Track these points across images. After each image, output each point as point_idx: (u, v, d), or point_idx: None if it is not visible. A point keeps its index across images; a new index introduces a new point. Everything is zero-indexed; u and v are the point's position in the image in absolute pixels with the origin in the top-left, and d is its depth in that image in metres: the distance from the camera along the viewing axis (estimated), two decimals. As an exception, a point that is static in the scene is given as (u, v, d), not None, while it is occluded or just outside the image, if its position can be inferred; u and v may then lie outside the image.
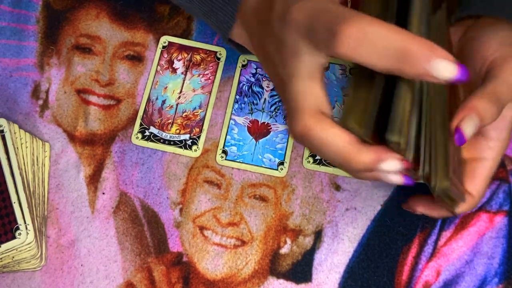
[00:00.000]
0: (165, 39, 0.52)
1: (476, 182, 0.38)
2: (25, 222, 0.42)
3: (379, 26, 0.27)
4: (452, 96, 0.36)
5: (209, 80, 0.51)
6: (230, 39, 0.41)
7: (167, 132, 0.49)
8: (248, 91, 0.50)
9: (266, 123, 0.49)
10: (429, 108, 0.31)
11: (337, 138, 0.30)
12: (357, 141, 0.30)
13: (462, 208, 0.39)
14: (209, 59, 0.51)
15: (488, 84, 0.34)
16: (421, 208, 0.42)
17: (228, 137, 0.49)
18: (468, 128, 0.33)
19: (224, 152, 0.48)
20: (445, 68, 0.26)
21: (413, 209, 0.43)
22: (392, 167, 0.30)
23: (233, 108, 0.50)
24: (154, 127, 0.49)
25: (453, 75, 0.26)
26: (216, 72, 0.51)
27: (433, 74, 0.26)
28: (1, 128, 0.44)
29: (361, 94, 0.31)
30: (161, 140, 0.49)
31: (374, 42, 0.27)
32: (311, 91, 0.31)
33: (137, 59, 0.52)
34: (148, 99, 0.50)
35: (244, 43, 0.41)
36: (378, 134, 0.30)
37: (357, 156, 0.30)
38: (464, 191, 0.38)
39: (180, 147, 0.49)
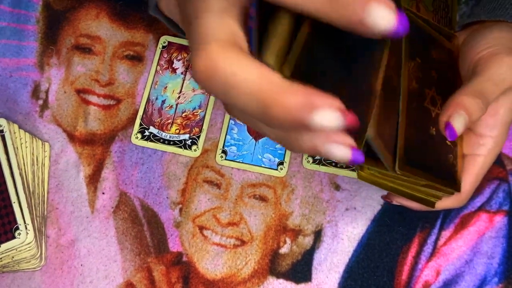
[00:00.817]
0: (165, 39, 0.52)
1: (465, 179, 0.39)
2: (24, 222, 0.42)
3: None
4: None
5: (209, 80, 0.51)
6: (157, 9, 0.37)
7: (166, 132, 0.49)
8: (248, 91, 0.50)
9: (265, 123, 0.49)
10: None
11: (253, 72, 0.22)
12: (279, 78, 0.22)
13: (445, 203, 0.39)
14: (208, 59, 0.51)
15: (473, 81, 0.35)
16: (399, 199, 0.41)
17: (228, 137, 0.49)
18: (458, 123, 0.33)
19: (224, 152, 0.48)
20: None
21: (390, 199, 0.43)
22: (329, 120, 0.21)
23: (232, 108, 0.50)
24: (154, 127, 0.49)
25: (390, 26, 0.21)
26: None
27: (367, 23, 0.21)
28: (1, 128, 0.44)
29: (278, 29, 0.24)
30: (161, 140, 0.49)
31: None
32: (222, 22, 0.24)
33: (137, 59, 0.52)
34: (148, 99, 0.50)
35: (170, 12, 0.36)
36: (299, 77, 0.23)
37: (280, 97, 0.21)
38: (459, 182, 0.38)
39: (180, 147, 0.49)
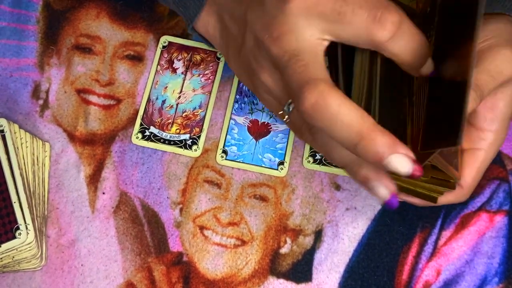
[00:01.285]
0: (165, 39, 0.52)
1: (466, 173, 0.38)
2: (25, 222, 0.42)
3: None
4: None
5: (209, 80, 0.51)
6: (194, 28, 0.40)
7: (167, 132, 0.49)
8: (248, 91, 0.50)
9: (266, 123, 0.49)
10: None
11: (353, 112, 0.28)
12: (372, 120, 0.28)
13: (447, 198, 0.39)
14: (209, 59, 0.51)
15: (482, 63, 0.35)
16: (402, 195, 0.41)
17: (228, 137, 0.49)
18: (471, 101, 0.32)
19: (224, 152, 0.48)
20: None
21: None
22: (402, 165, 0.27)
23: (233, 108, 0.50)
24: (154, 127, 0.49)
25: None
26: (216, 72, 0.51)
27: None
28: (1, 128, 0.44)
29: (356, 71, 0.31)
30: (161, 140, 0.49)
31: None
32: (319, 61, 0.30)
33: (137, 59, 0.52)
34: (148, 99, 0.50)
35: (209, 35, 0.40)
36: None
37: (373, 135, 0.27)
38: (459, 177, 0.38)
39: (180, 147, 0.49)
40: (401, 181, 0.36)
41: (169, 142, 0.49)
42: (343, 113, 0.28)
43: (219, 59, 0.51)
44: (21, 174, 0.44)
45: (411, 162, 0.27)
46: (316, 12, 0.30)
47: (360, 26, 0.29)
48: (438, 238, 0.46)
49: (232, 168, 0.48)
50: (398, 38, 0.29)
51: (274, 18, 0.31)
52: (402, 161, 0.27)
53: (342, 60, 0.33)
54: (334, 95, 0.28)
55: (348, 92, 0.33)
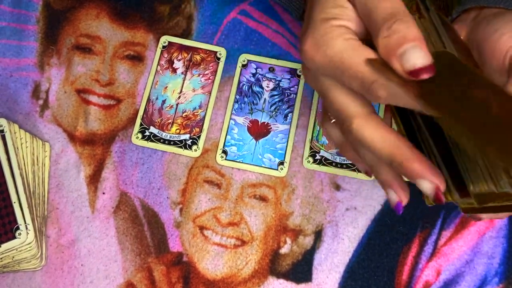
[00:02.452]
0: (165, 39, 0.52)
1: None
2: (25, 222, 0.42)
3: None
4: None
5: (209, 80, 0.51)
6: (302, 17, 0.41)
7: (167, 132, 0.49)
8: (248, 91, 0.50)
9: (266, 123, 0.49)
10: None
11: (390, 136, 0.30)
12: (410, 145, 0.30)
13: None
14: (209, 59, 0.51)
15: None
16: (489, 215, 0.40)
17: (228, 137, 0.49)
18: None
19: (224, 152, 0.48)
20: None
21: (479, 218, 0.40)
22: (427, 188, 0.29)
23: (233, 108, 0.50)
24: (154, 127, 0.49)
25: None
26: (216, 72, 0.51)
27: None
28: (1, 128, 0.44)
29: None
30: (161, 140, 0.49)
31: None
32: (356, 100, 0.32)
33: (137, 59, 0.52)
34: (148, 99, 0.50)
35: None
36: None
37: (412, 157, 0.29)
38: None
39: (180, 147, 0.49)
40: (494, 202, 0.35)
41: (169, 142, 0.49)
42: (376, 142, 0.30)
43: (219, 59, 0.51)
44: (21, 174, 0.44)
45: (435, 189, 0.29)
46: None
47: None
48: (438, 238, 0.46)
49: (232, 168, 0.48)
50: None
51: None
52: (428, 186, 0.29)
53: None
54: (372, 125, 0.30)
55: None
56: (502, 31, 0.36)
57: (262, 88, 0.50)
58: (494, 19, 0.37)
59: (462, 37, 0.39)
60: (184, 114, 0.50)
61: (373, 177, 0.47)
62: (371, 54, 0.29)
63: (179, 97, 0.50)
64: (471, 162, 0.31)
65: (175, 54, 0.51)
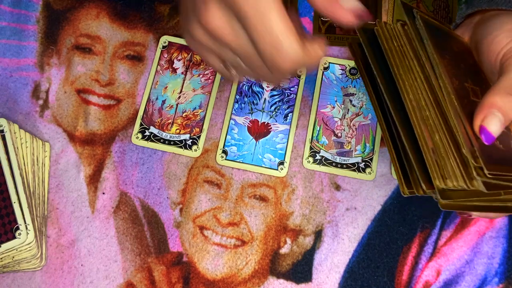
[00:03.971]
0: (165, 39, 0.52)
1: None
2: (25, 222, 0.42)
3: None
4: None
5: (209, 80, 0.51)
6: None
7: (167, 132, 0.49)
8: (248, 91, 0.50)
9: (266, 123, 0.49)
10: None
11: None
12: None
13: None
14: (209, 59, 0.51)
15: (503, 78, 0.33)
16: (476, 213, 0.39)
17: (228, 137, 0.49)
18: (493, 126, 0.31)
19: (224, 152, 0.48)
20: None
21: (468, 214, 0.40)
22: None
23: (233, 108, 0.50)
24: (154, 127, 0.49)
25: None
26: (216, 72, 0.51)
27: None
28: (1, 128, 0.44)
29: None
30: (161, 140, 0.49)
31: None
32: None
33: (137, 59, 0.52)
34: (148, 99, 0.50)
35: None
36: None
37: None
38: None
39: (180, 147, 0.49)
40: (479, 201, 0.35)
41: (169, 142, 0.49)
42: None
43: (219, 59, 0.51)
44: (21, 174, 0.44)
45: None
46: None
47: None
48: (438, 238, 0.46)
49: (232, 168, 0.48)
50: None
51: None
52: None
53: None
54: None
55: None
56: (496, 33, 0.36)
57: (262, 88, 0.50)
58: (491, 20, 0.37)
59: (466, 40, 0.40)
60: (184, 114, 0.50)
61: (373, 177, 0.47)
62: None
63: (179, 97, 0.50)
64: (441, 158, 0.31)
65: (175, 54, 0.51)
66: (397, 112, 0.35)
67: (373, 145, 0.48)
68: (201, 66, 0.51)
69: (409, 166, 0.36)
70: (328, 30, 0.52)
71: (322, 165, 0.47)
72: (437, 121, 0.32)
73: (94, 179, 0.48)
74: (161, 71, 0.51)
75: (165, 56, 0.51)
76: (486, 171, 0.30)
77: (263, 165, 0.48)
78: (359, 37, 0.38)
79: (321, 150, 0.48)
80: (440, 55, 0.34)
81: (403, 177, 0.36)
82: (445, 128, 0.32)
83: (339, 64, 0.50)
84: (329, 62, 0.50)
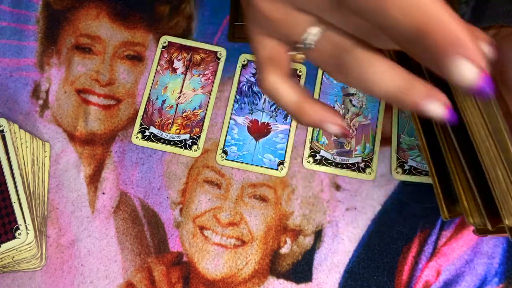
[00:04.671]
0: (165, 39, 0.52)
1: None
2: (25, 222, 0.42)
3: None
4: None
5: (209, 80, 0.51)
6: None
7: (167, 132, 0.49)
8: (248, 91, 0.50)
9: (266, 123, 0.49)
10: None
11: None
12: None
13: None
14: (209, 59, 0.51)
15: None
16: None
17: (228, 137, 0.49)
18: None
19: (224, 152, 0.48)
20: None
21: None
22: (435, 109, 0.24)
23: (233, 108, 0.50)
24: (154, 127, 0.49)
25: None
26: (216, 72, 0.51)
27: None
28: (1, 128, 0.44)
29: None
30: (161, 140, 0.49)
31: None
32: None
33: (137, 59, 0.52)
34: (148, 99, 0.50)
35: None
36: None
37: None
38: None
39: (180, 147, 0.49)
40: None
41: (169, 142, 0.49)
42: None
43: (219, 59, 0.51)
44: (21, 174, 0.44)
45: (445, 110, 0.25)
46: None
47: None
48: (438, 238, 0.46)
49: (232, 168, 0.48)
50: None
51: None
52: (436, 107, 0.25)
53: None
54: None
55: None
56: None
57: (262, 88, 0.50)
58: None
59: None
60: (184, 114, 0.50)
61: (373, 177, 0.47)
62: None
63: (179, 97, 0.50)
64: (503, 193, 0.30)
65: (175, 54, 0.51)
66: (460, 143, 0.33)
67: (373, 145, 0.48)
68: (201, 66, 0.51)
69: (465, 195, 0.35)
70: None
71: (322, 165, 0.47)
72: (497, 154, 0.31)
73: (94, 179, 0.48)
74: (161, 71, 0.51)
75: (165, 56, 0.51)
76: None
77: (263, 165, 0.48)
78: None
79: (321, 150, 0.48)
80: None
81: (444, 200, 0.36)
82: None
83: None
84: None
